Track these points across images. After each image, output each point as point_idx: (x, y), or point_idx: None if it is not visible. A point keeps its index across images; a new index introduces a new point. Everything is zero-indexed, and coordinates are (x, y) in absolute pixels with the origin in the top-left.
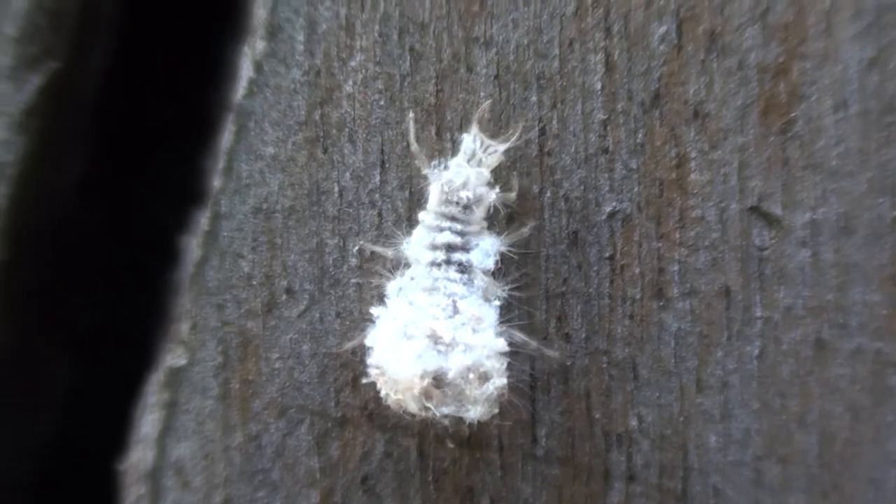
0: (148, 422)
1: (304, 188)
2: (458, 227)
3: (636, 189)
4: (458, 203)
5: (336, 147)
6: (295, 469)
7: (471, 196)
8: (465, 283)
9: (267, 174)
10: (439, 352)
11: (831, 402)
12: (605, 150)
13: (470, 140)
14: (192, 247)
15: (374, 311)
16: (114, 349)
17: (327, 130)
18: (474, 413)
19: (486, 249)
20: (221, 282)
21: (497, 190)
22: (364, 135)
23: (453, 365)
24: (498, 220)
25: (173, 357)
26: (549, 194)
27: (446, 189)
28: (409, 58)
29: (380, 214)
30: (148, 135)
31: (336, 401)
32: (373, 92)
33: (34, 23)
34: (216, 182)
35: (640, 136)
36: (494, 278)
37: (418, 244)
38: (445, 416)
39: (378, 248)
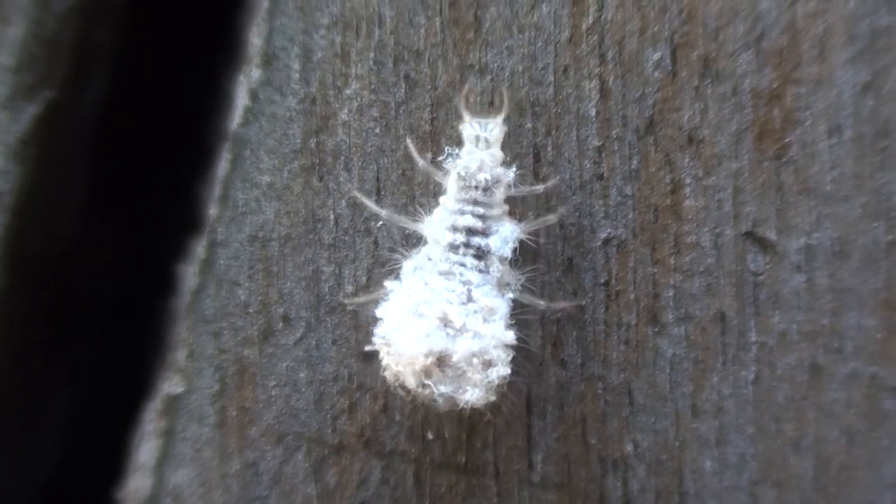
0: (146, 449)
1: (300, 216)
2: (480, 210)
3: (631, 215)
4: (476, 187)
5: (332, 175)
6: (292, 496)
7: (489, 178)
8: (480, 271)
9: (263, 202)
10: (448, 334)
11: (826, 426)
12: (600, 177)
13: (468, 127)
14: (189, 275)
15: (389, 284)
16: (112, 377)
17: (323, 158)
18: (471, 395)
19: (506, 236)
20: (218, 310)
21: (514, 169)
22: (360, 162)
23: (460, 349)
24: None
25: (170, 385)
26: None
27: (464, 174)
28: (404, 85)
29: (375, 242)
30: (146, 164)
31: (333, 427)
32: (368, 119)
33: (30, 52)
34: (212, 210)
35: (634, 162)
36: (511, 267)
37: (439, 224)
38: (441, 395)
39: (402, 219)
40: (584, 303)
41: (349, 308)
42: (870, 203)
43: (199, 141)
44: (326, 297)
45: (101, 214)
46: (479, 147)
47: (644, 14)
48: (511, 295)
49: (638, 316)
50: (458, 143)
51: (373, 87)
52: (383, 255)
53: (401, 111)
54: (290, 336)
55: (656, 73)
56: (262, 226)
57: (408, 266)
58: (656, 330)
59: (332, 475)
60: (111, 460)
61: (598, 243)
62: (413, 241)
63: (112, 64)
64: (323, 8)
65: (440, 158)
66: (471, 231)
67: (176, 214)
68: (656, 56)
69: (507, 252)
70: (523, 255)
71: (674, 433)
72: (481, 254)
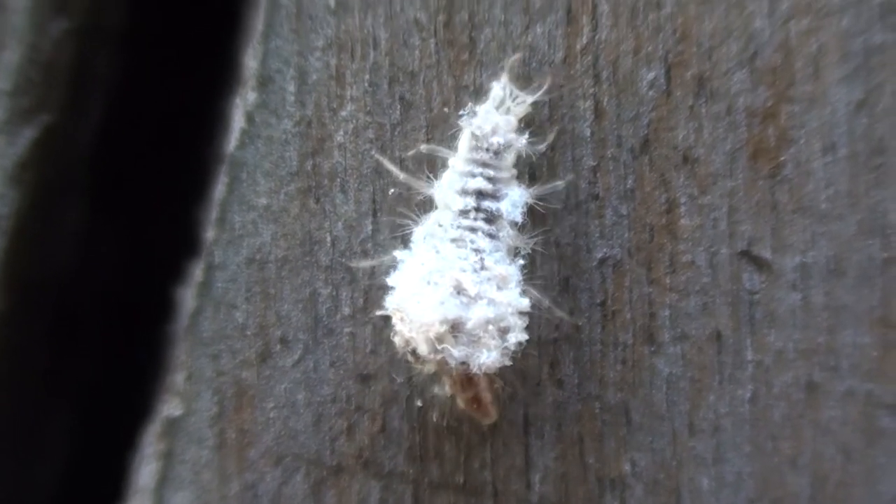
0: (145, 472)
1: (297, 238)
2: (490, 172)
3: (626, 235)
4: (488, 149)
5: (328, 197)
6: None
7: (501, 142)
8: (491, 236)
9: (260, 225)
10: (462, 302)
11: (823, 444)
12: (596, 197)
13: (500, 88)
14: (187, 298)
15: (399, 254)
16: (112, 400)
17: (319, 180)
18: (486, 358)
19: (515, 200)
20: (216, 332)
21: (526, 136)
22: (356, 184)
23: (474, 316)
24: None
25: (169, 408)
26: (539, 241)
27: (477, 134)
28: (399, 107)
29: (372, 266)
30: (144, 187)
31: (331, 449)
32: (364, 141)
33: (27, 76)
34: (210, 233)
35: (629, 181)
36: (520, 232)
37: (449, 188)
38: (454, 359)
39: (394, 169)
40: (580, 323)
41: (355, 269)
42: (865, 221)
43: (196, 165)
44: (324, 319)
45: (100, 238)
46: (500, 111)
47: (638, 34)
48: (521, 262)
49: (634, 335)
50: (459, 96)
51: (368, 108)
52: (379, 280)
53: (396, 132)
54: (288, 358)
55: (651, 93)
56: (259, 248)
57: (418, 233)
58: (653, 349)
59: (330, 496)
60: (111, 483)
61: (594, 263)
62: (422, 205)
63: (110, 88)
64: (318, 30)
65: (461, 113)
66: (481, 194)
67: (175, 238)
68: (651, 76)
69: (518, 216)
70: (531, 219)
71: (671, 452)
72: (492, 218)
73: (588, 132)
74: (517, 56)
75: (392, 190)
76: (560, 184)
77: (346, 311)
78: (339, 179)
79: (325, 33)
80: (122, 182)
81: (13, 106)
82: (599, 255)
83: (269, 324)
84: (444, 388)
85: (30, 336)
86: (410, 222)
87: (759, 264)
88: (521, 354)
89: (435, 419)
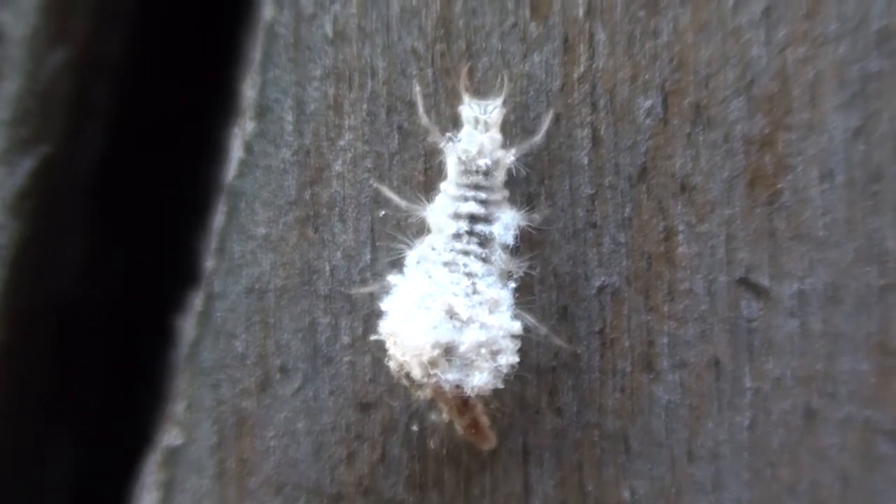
0: (146, 502)
1: (296, 267)
2: (482, 195)
3: (624, 263)
4: (477, 171)
5: (327, 226)
6: None
7: (489, 162)
8: (483, 260)
9: (259, 254)
10: (454, 326)
11: (822, 470)
12: (593, 225)
13: (467, 107)
14: (187, 328)
15: (392, 279)
16: (113, 430)
17: (318, 210)
18: (478, 380)
19: (507, 223)
20: (216, 361)
21: (513, 151)
22: (354, 213)
23: (467, 340)
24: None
25: (170, 437)
26: (538, 269)
27: (464, 158)
28: (397, 136)
29: (371, 293)
30: (144, 217)
31: (331, 477)
32: (362, 171)
33: (25, 106)
34: (209, 263)
35: (627, 210)
36: (511, 255)
37: (442, 212)
38: (448, 383)
39: (394, 197)
40: (578, 350)
41: (353, 296)
42: (862, 248)
43: (196, 195)
44: (323, 348)
45: (100, 268)
46: (479, 129)
47: (635, 62)
48: (513, 285)
49: (633, 363)
50: (457, 125)
51: (366, 138)
52: (378, 308)
53: (394, 161)
54: (287, 387)
55: (648, 121)
56: (258, 278)
57: (411, 257)
58: (651, 377)
59: None
60: None
61: (593, 291)
62: (415, 229)
63: (109, 117)
64: (315, 60)
65: (440, 144)
66: (473, 218)
67: (174, 268)
68: (648, 104)
69: (509, 239)
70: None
71: (670, 479)
72: (484, 241)
73: (585, 160)
74: (465, 70)
75: (382, 212)
76: (537, 139)
77: (346, 339)
78: (337, 208)
79: (322, 63)
80: (121, 212)
81: (12, 136)
82: (598, 284)
83: (269, 353)
84: (442, 415)
85: (30, 365)
86: (404, 246)
87: (757, 291)
88: (518, 381)
89: (433, 446)
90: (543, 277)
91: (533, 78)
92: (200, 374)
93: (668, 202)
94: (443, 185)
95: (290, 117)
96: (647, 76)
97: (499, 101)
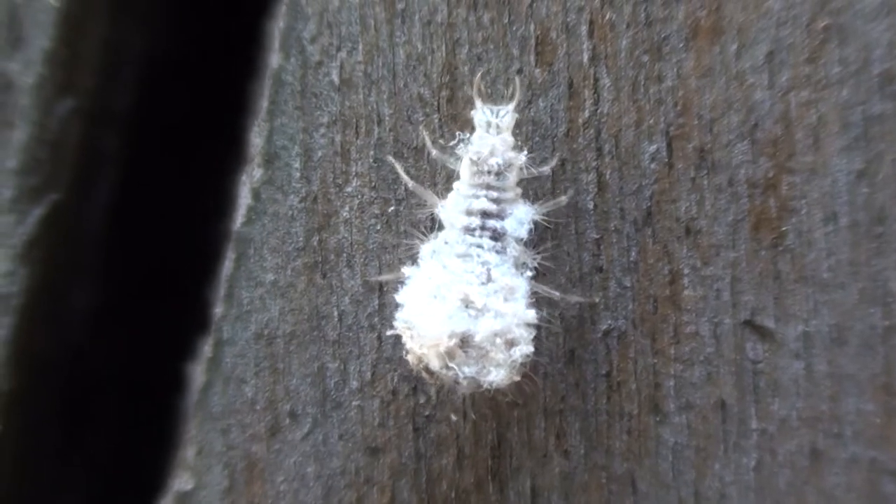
0: None
1: (305, 313)
2: (494, 194)
3: (630, 306)
4: (489, 172)
5: (335, 272)
6: None
7: (501, 162)
8: (497, 252)
9: (267, 300)
10: (470, 315)
11: None
12: (599, 269)
13: (479, 113)
14: (197, 373)
15: (407, 270)
16: (125, 475)
17: (325, 256)
18: (495, 376)
19: (520, 217)
20: (226, 407)
21: (525, 152)
22: (362, 259)
23: (482, 329)
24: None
25: (181, 482)
26: (545, 313)
27: (476, 160)
28: (403, 183)
29: (379, 338)
30: (154, 265)
31: None
32: (369, 217)
33: (34, 155)
34: (218, 309)
35: (633, 253)
36: (526, 247)
37: (454, 208)
38: (465, 377)
39: (413, 184)
40: (596, 299)
41: (370, 282)
42: (866, 289)
43: (207, 243)
44: (332, 393)
45: (111, 315)
46: (491, 132)
47: (639, 107)
48: (529, 274)
49: (640, 406)
50: (471, 128)
51: (373, 184)
52: (387, 350)
53: (402, 207)
54: (297, 432)
55: (653, 166)
56: (267, 323)
57: (426, 249)
58: (658, 419)
59: None
60: None
61: (599, 335)
62: (429, 225)
63: (118, 166)
64: (322, 107)
65: (452, 144)
66: (486, 214)
67: (185, 315)
68: (652, 148)
69: (523, 233)
70: (539, 234)
71: None
72: (497, 235)
73: (591, 205)
74: (478, 76)
75: (391, 208)
76: (563, 199)
77: (354, 384)
78: (345, 254)
79: (329, 110)
80: (132, 259)
81: (21, 184)
82: (604, 327)
83: (278, 398)
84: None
85: (42, 412)
86: (418, 241)
87: (763, 334)
88: (525, 423)
89: (444, 489)
90: (551, 321)
91: (538, 123)
92: (210, 420)
93: (673, 246)
94: (455, 185)
95: (297, 164)
96: (651, 121)
97: (511, 107)
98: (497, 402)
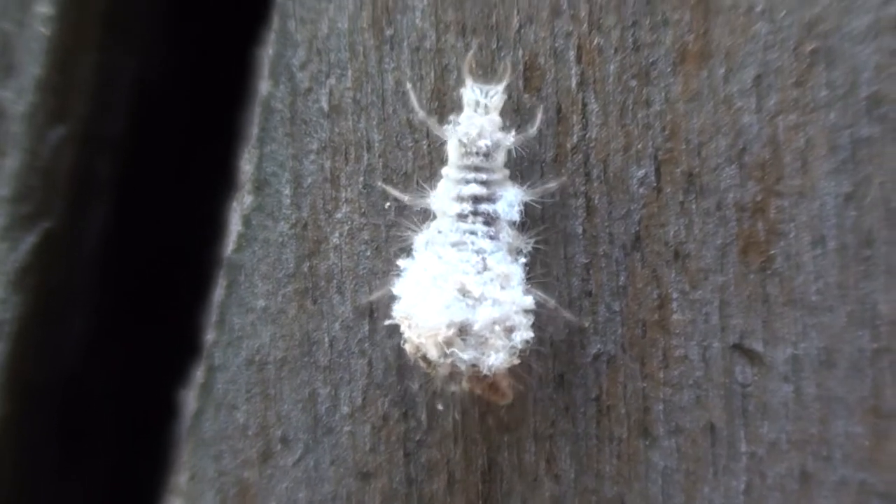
0: None
1: (295, 339)
2: (483, 176)
3: (620, 331)
4: (478, 153)
5: (325, 298)
6: None
7: (489, 143)
8: (491, 237)
9: (258, 326)
10: (467, 304)
11: None
12: (588, 293)
13: (469, 91)
14: (189, 399)
15: (402, 263)
16: (123, 494)
17: (316, 282)
18: (494, 360)
19: (511, 200)
20: (217, 433)
21: (513, 133)
22: (352, 285)
23: (480, 317)
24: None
25: None
26: (534, 338)
27: (464, 141)
28: (394, 208)
29: (370, 363)
30: (147, 291)
31: None
32: (359, 243)
33: (26, 183)
34: (210, 335)
35: (622, 278)
36: (519, 231)
37: (445, 196)
38: (464, 363)
39: (396, 193)
40: (586, 324)
41: (369, 300)
42: (855, 312)
43: (200, 271)
44: (323, 419)
45: (104, 342)
46: (479, 112)
47: (628, 132)
48: (523, 260)
49: (629, 429)
50: (459, 108)
51: (363, 210)
52: (377, 375)
53: (391, 233)
54: (288, 457)
55: (641, 190)
56: (258, 350)
57: (419, 240)
58: (647, 443)
59: None
60: None
61: (589, 359)
62: (422, 216)
63: (113, 193)
64: (312, 134)
65: (444, 126)
66: (477, 199)
67: (177, 342)
68: (641, 173)
69: (515, 216)
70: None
71: None
72: (490, 220)
73: (580, 229)
74: (470, 54)
75: (388, 204)
76: (553, 185)
77: (345, 409)
78: (335, 280)
79: (319, 137)
80: (125, 286)
81: (13, 212)
82: (593, 351)
83: (270, 424)
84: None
85: (38, 432)
86: (411, 232)
87: (751, 357)
88: (516, 447)
89: None
90: (540, 346)
91: (527, 148)
92: (202, 446)
93: (662, 270)
94: (444, 170)
95: (287, 191)
96: (639, 145)
97: (500, 87)
98: (488, 427)
